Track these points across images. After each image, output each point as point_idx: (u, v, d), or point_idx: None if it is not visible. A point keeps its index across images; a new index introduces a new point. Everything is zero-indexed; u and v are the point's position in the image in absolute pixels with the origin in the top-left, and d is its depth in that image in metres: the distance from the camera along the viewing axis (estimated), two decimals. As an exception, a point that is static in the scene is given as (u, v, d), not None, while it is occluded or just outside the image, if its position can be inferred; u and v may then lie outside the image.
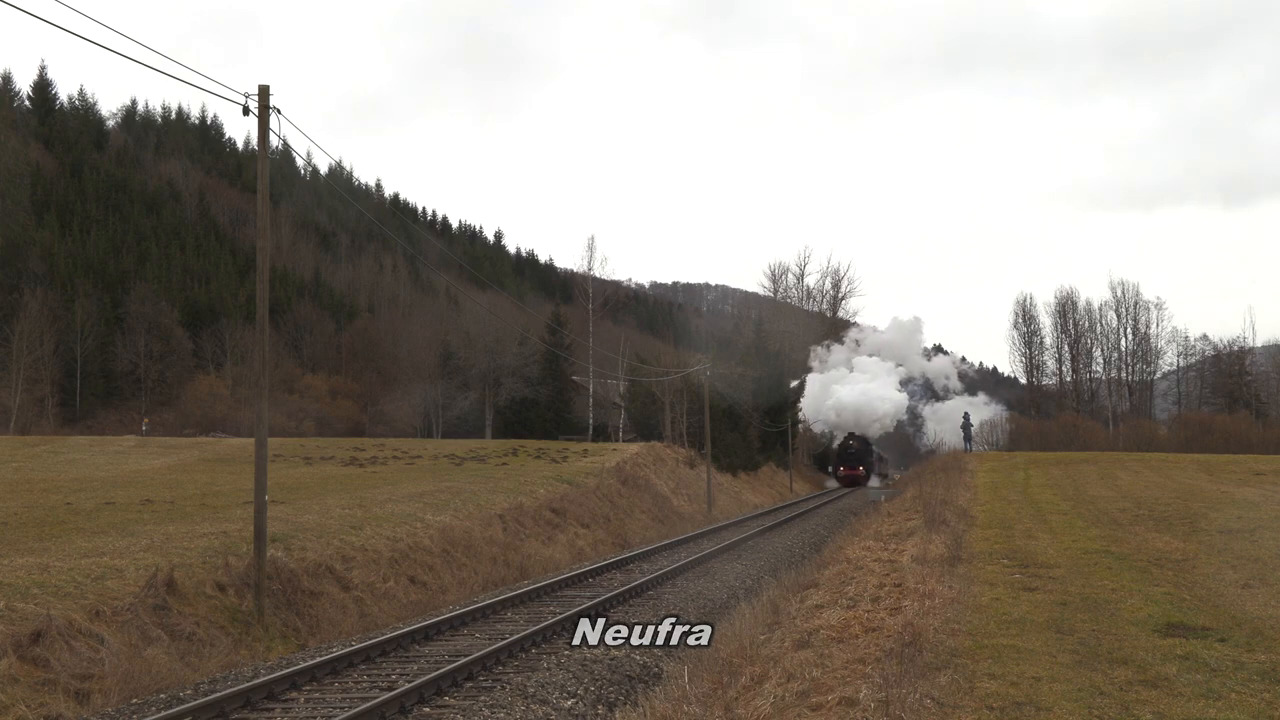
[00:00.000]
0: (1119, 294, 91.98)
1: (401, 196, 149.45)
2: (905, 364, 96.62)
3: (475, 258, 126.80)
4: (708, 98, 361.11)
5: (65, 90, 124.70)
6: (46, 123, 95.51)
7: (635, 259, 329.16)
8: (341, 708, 10.92)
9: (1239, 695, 8.37)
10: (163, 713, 10.25)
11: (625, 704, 11.57)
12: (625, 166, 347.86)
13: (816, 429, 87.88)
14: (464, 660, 12.55)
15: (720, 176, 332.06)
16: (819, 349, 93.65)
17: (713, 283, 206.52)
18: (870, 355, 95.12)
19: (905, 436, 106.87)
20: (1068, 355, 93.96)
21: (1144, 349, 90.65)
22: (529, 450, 48.24)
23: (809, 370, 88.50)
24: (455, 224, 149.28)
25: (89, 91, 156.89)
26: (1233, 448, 62.12)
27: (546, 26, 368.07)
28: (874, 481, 79.11)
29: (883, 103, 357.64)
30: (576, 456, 44.96)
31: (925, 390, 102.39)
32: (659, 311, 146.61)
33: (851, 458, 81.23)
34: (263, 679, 11.58)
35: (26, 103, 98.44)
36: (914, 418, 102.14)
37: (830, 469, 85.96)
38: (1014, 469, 42.91)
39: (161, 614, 14.09)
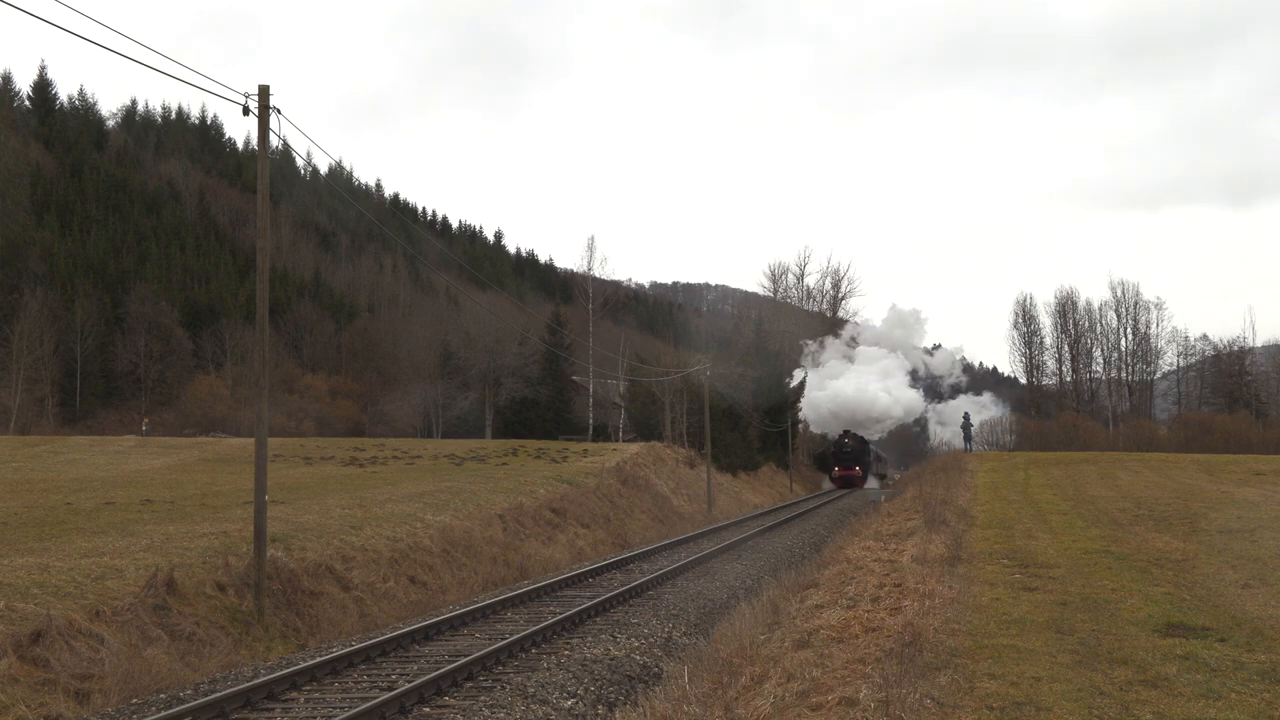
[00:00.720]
0: (1119, 294, 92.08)
1: (401, 196, 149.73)
2: (907, 357, 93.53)
3: (475, 258, 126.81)
4: (707, 98, 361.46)
5: (65, 90, 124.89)
6: (46, 123, 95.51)
7: (635, 259, 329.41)
8: (341, 708, 10.92)
9: (1239, 695, 8.37)
10: (163, 713, 10.25)
11: (625, 704, 11.57)
12: (625, 166, 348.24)
13: (815, 430, 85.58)
14: (464, 660, 12.55)
15: (720, 176, 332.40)
16: (810, 344, 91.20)
17: (713, 283, 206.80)
18: (873, 345, 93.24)
19: (907, 436, 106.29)
20: (1068, 355, 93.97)
21: (1144, 349, 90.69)
22: (529, 450, 48.24)
23: (798, 366, 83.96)
24: (455, 224, 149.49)
25: (89, 91, 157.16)
26: (1233, 448, 62.12)
27: (546, 27, 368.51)
28: (872, 483, 75.68)
29: (883, 103, 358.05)
30: (576, 456, 44.96)
31: (929, 390, 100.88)
32: (659, 311, 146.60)
33: (847, 457, 76.62)
34: (263, 679, 11.58)
35: (26, 103, 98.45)
36: (916, 418, 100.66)
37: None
38: (1014, 469, 42.91)
39: (161, 614, 14.09)
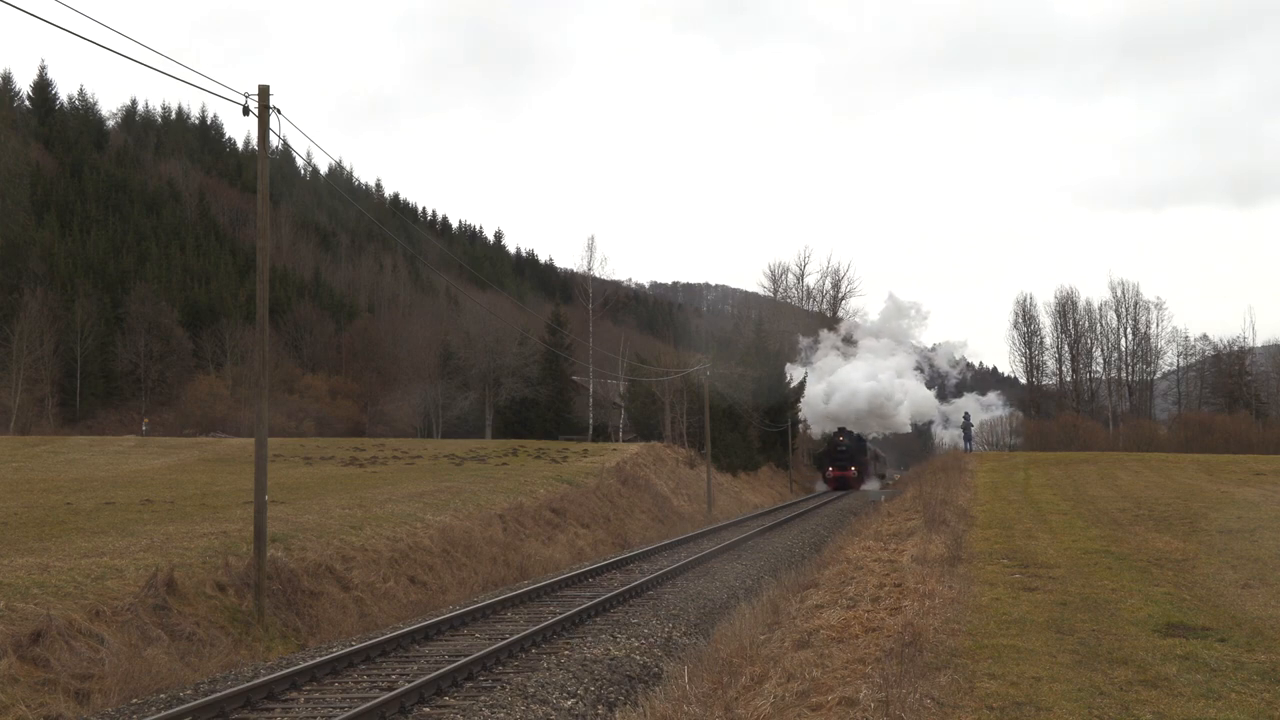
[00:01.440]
0: (1119, 294, 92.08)
1: (401, 196, 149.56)
2: (905, 352, 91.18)
3: (475, 258, 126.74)
4: (706, 98, 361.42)
5: (65, 90, 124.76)
6: (46, 123, 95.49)
7: (635, 259, 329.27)
8: (341, 708, 10.92)
9: (1239, 695, 8.37)
10: (163, 713, 10.25)
11: (625, 704, 11.58)
12: (625, 166, 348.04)
13: (815, 429, 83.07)
14: (464, 660, 12.55)
15: (720, 176, 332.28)
16: (803, 340, 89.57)
17: (713, 283, 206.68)
18: (877, 338, 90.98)
19: (907, 435, 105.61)
20: (1068, 355, 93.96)
21: (1144, 349, 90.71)
22: (529, 450, 48.24)
23: (788, 362, 79.89)
24: (455, 224, 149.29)
25: (89, 91, 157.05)
26: (1233, 448, 62.13)
27: (546, 27, 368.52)
28: (869, 484, 70.71)
29: (884, 102, 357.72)
30: (576, 456, 44.95)
31: (934, 386, 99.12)
32: (659, 311, 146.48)
33: (842, 457, 70.48)
34: (263, 679, 11.58)
35: (26, 103, 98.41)
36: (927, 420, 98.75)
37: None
38: (1014, 469, 42.90)
39: (161, 614, 14.09)
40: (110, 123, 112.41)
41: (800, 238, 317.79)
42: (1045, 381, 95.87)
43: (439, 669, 12.21)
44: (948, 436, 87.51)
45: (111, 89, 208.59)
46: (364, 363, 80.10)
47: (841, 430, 73.23)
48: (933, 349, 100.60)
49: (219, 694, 10.86)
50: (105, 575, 14.76)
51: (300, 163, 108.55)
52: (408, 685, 11.29)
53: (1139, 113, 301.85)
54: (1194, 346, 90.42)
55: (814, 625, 12.21)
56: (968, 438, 67.55)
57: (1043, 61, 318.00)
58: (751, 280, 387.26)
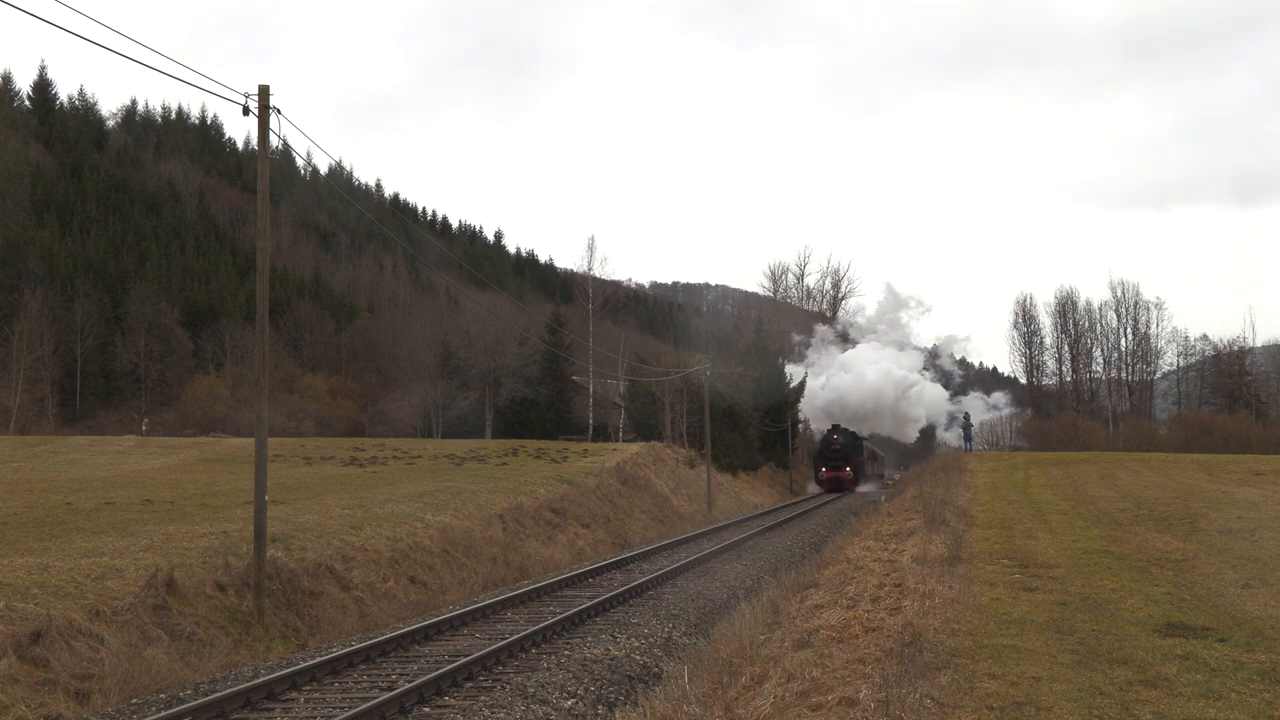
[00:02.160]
0: (1119, 294, 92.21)
1: (401, 196, 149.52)
2: (906, 350, 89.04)
3: (475, 258, 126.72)
4: (707, 98, 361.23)
5: (65, 90, 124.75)
6: (46, 123, 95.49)
7: (635, 259, 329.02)
8: (341, 708, 10.92)
9: (1239, 695, 8.37)
10: (163, 713, 10.25)
11: (625, 704, 11.58)
12: (626, 166, 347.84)
13: (815, 427, 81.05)
14: (464, 660, 12.55)
15: (720, 176, 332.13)
16: (796, 337, 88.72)
17: (713, 283, 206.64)
18: (869, 333, 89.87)
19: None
20: (1068, 355, 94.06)
21: (1144, 349, 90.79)
22: (529, 450, 48.24)
23: (788, 362, 77.68)
24: (455, 224, 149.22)
25: (89, 91, 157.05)
26: (1233, 448, 62.15)
27: (546, 28, 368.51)
28: (866, 486, 65.63)
29: (885, 102, 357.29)
30: (576, 456, 44.96)
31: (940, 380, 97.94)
32: (659, 311, 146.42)
33: (836, 456, 64.97)
34: (263, 679, 11.58)
35: (26, 103, 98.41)
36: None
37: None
38: (1014, 469, 42.91)
39: (161, 614, 14.10)
40: (110, 123, 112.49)
41: (800, 238, 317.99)
42: (1045, 381, 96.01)
43: (439, 669, 12.21)
44: (949, 437, 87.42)
45: (111, 89, 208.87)
46: (364, 363, 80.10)
47: (835, 428, 67.50)
48: (933, 348, 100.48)
49: (219, 694, 10.86)
50: (105, 575, 14.76)
51: (300, 163, 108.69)
52: (408, 685, 11.29)
53: (1140, 113, 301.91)
54: (1194, 346, 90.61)
55: (814, 625, 12.21)
56: (968, 438, 67.53)
57: (1044, 61, 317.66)
58: (751, 280, 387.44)
